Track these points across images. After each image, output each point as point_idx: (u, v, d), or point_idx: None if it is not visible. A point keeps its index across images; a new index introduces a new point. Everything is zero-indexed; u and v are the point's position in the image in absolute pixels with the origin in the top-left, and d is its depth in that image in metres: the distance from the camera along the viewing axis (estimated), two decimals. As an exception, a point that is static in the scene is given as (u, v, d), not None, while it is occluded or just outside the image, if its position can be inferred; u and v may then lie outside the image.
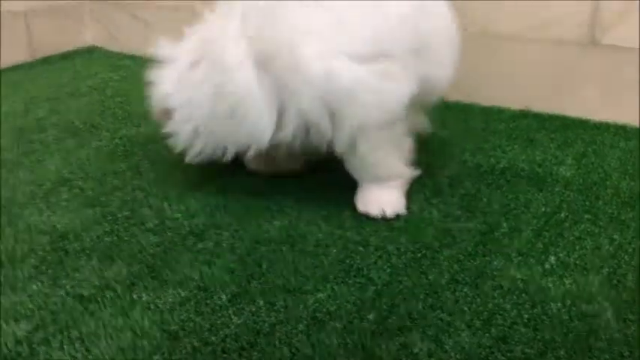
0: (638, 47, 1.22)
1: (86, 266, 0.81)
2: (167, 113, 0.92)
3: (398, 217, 0.92)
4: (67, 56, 1.84)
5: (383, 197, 0.92)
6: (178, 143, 0.93)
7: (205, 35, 0.91)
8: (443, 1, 0.94)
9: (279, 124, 0.86)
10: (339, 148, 0.88)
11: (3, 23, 1.69)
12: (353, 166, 0.92)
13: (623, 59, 1.24)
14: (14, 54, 1.74)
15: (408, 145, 0.94)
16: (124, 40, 1.89)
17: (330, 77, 0.80)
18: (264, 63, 0.84)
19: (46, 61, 1.79)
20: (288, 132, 0.86)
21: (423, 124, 1.06)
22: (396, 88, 0.83)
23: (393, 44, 0.83)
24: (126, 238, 0.87)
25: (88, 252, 0.84)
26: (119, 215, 0.93)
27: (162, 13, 1.79)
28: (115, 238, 0.87)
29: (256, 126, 0.86)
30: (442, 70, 0.91)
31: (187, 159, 0.94)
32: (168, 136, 0.94)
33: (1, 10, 1.68)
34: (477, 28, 1.36)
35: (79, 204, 0.96)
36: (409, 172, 0.95)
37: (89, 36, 1.96)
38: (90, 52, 1.90)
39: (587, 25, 1.26)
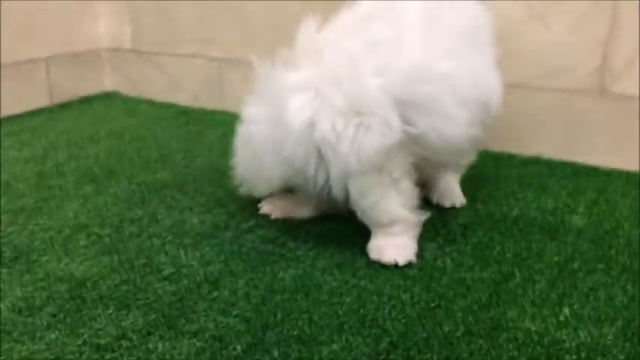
0: (647, 96, 1.24)
1: (103, 315, 0.82)
2: None
3: (411, 265, 0.92)
4: (85, 101, 1.89)
5: (391, 244, 0.94)
6: None
7: None
8: (465, 60, 0.95)
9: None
10: (336, 194, 0.93)
11: (23, 69, 1.74)
12: (358, 214, 0.95)
13: (633, 107, 1.26)
14: (34, 100, 1.79)
15: (410, 190, 0.95)
16: (142, 87, 1.94)
17: (311, 128, 0.88)
18: None
19: (65, 106, 1.83)
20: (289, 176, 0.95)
21: (454, 196, 1.13)
22: (372, 139, 0.87)
23: (371, 106, 0.87)
24: (142, 287, 0.88)
25: (105, 300, 0.85)
26: (136, 263, 0.94)
27: (178, 60, 1.84)
28: (132, 286, 0.88)
29: (269, 174, 0.97)
30: (446, 127, 0.91)
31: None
32: None
33: (23, 57, 1.74)
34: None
35: (96, 251, 0.98)
36: (413, 218, 0.95)
37: (108, 82, 2.01)
38: (108, 97, 1.94)
39: (597, 73, 1.28)
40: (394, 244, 0.93)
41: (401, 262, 0.92)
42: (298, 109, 0.89)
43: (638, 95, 1.25)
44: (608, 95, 1.28)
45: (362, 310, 0.82)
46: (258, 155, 0.96)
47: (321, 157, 0.90)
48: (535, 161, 1.35)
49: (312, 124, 0.88)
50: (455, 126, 0.91)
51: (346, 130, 0.87)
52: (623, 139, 1.29)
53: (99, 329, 0.79)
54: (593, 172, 1.29)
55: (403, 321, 0.80)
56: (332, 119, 0.87)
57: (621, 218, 1.07)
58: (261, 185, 1.01)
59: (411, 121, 0.89)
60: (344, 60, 0.90)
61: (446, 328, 0.78)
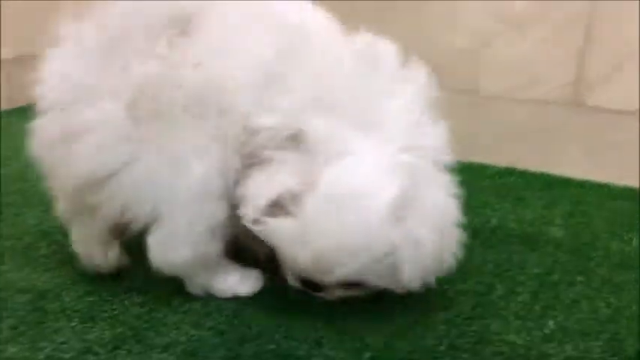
0: (620, 109, 1.24)
1: (66, 328, 0.76)
2: None
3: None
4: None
5: None
6: None
7: None
8: None
9: None
10: None
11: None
12: None
13: (606, 120, 1.26)
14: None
15: None
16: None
17: None
18: None
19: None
20: None
21: None
22: None
23: None
24: (108, 298, 0.83)
25: (68, 312, 0.79)
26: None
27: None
28: (97, 297, 0.83)
29: None
30: None
31: None
32: None
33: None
34: (464, 87, 1.38)
35: (57, 261, 0.92)
36: None
37: None
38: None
39: (572, 86, 1.28)
40: None
41: None
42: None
43: (611, 107, 1.25)
44: (582, 107, 1.28)
45: (341, 323, 0.79)
46: None
47: None
48: (510, 172, 1.34)
49: None
50: None
51: None
52: (597, 151, 1.29)
53: (62, 343, 0.73)
54: (566, 183, 1.29)
55: (385, 334, 0.77)
56: None
57: (597, 230, 1.07)
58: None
59: None
60: None
61: (429, 342, 0.75)
